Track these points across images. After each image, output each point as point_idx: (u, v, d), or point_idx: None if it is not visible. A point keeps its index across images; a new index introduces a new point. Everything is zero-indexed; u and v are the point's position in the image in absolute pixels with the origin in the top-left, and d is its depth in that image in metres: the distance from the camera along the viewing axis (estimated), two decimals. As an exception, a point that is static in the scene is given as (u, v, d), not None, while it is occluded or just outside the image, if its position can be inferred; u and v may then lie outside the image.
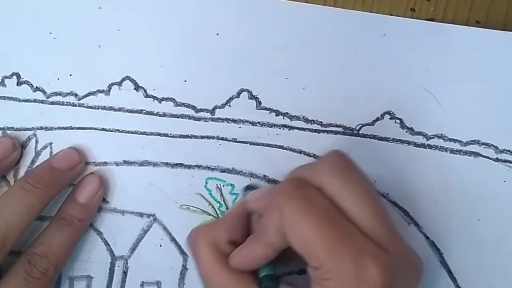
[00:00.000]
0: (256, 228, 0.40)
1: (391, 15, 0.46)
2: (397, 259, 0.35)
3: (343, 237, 0.34)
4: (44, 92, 0.44)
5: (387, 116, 0.45)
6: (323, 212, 0.34)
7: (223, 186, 0.45)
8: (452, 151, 0.45)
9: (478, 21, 0.46)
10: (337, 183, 0.36)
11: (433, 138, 0.45)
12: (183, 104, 0.45)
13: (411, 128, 0.45)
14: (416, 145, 0.45)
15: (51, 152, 0.44)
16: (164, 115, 0.45)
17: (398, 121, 0.45)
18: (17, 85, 0.44)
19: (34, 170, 0.43)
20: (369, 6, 0.46)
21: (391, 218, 0.37)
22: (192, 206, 0.44)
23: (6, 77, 0.44)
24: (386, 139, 0.45)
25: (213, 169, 0.45)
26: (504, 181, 0.45)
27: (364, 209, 0.35)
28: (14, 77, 0.44)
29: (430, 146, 0.45)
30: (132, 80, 0.45)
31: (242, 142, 0.45)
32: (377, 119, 0.45)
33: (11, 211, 0.40)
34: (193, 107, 0.45)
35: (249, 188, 0.43)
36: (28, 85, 0.44)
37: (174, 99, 0.45)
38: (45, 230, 0.42)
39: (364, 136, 0.45)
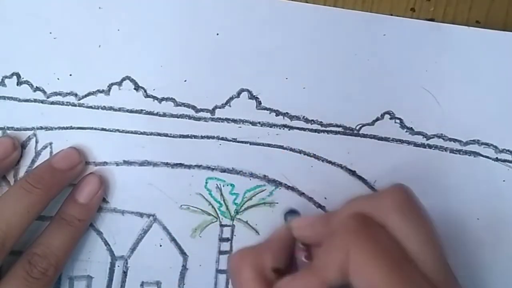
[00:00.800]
0: (303, 259, 0.39)
1: (391, 15, 0.46)
2: None
3: (410, 285, 0.32)
4: (44, 92, 0.44)
5: (387, 116, 0.45)
6: (391, 255, 0.32)
7: (223, 186, 0.45)
8: (452, 151, 0.45)
9: (478, 21, 0.46)
10: (403, 222, 0.34)
11: (433, 138, 0.45)
12: (183, 104, 0.45)
13: (411, 128, 0.45)
14: (416, 145, 0.45)
15: (51, 152, 0.44)
16: (164, 115, 0.45)
17: (398, 121, 0.45)
18: (17, 85, 0.44)
19: (34, 170, 0.43)
20: (369, 6, 0.46)
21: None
22: (192, 206, 0.44)
23: (6, 77, 0.44)
24: (386, 139, 0.45)
25: (213, 169, 0.45)
26: (504, 181, 0.45)
27: (429, 251, 0.34)
28: (14, 77, 0.44)
29: (430, 146, 0.45)
30: (132, 80, 0.45)
31: (242, 142, 0.45)
32: (377, 119, 0.45)
33: (12, 211, 0.40)
34: (193, 107, 0.45)
35: (291, 212, 0.43)
36: (28, 85, 0.44)
37: (174, 99, 0.45)
38: (45, 230, 0.41)
39: (364, 136, 0.45)
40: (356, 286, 0.33)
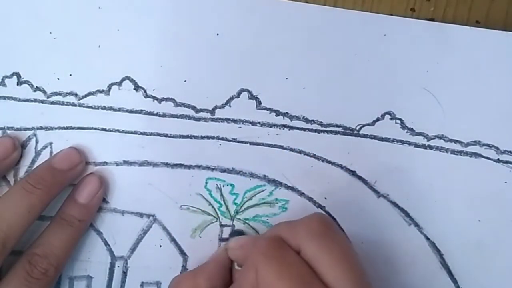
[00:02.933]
0: (235, 279, 0.41)
1: (391, 15, 0.46)
2: None
3: None
4: (44, 92, 0.44)
5: (387, 117, 0.45)
6: (298, 275, 0.34)
7: (223, 186, 0.45)
8: (453, 152, 0.45)
9: (478, 21, 0.46)
10: (315, 246, 0.35)
11: (433, 138, 0.45)
12: (183, 104, 0.45)
13: (412, 128, 0.45)
14: (417, 145, 0.45)
15: (51, 152, 0.44)
16: (164, 115, 0.45)
17: (398, 121, 0.45)
18: (17, 85, 0.44)
19: (34, 170, 0.43)
20: (369, 6, 0.46)
21: (370, 284, 0.36)
22: (192, 206, 0.44)
23: (6, 77, 0.45)
24: (386, 139, 0.45)
25: (213, 169, 0.45)
26: (505, 182, 0.45)
27: (342, 275, 0.34)
28: (14, 77, 0.44)
29: (430, 147, 0.45)
30: (132, 80, 0.45)
31: (242, 142, 0.45)
32: (378, 119, 0.45)
33: (12, 212, 0.40)
34: (193, 107, 0.45)
35: (235, 234, 0.44)
36: (28, 85, 0.44)
37: (174, 99, 0.45)
38: (45, 230, 0.42)
39: (365, 136, 0.45)
40: None
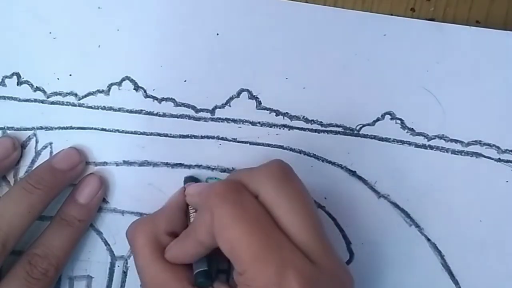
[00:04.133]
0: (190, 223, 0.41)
1: (391, 15, 0.46)
2: (324, 273, 0.34)
3: (270, 246, 0.33)
4: (44, 92, 0.45)
5: (387, 117, 0.45)
6: (254, 219, 0.34)
7: (223, 186, 0.44)
8: (454, 152, 0.45)
9: (478, 21, 0.46)
10: (273, 191, 0.35)
11: (434, 138, 0.45)
12: (183, 104, 0.45)
13: (412, 128, 0.45)
14: (417, 145, 0.45)
15: (51, 152, 0.44)
16: (164, 115, 0.45)
17: (398, 121, 0.45)
18: (17, 85, 0.45)
19: (34, 170, 0.43)
20: (369, 6, 0.46)
21: (326, 231, 0.36)
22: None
23: (6, 77, 0.45)
24: (386, 139, 0.45)
25: (213, 169, 0.45)
26: (507, 182, 0.45)
27: (298, 219, 0.34)
28: (14, 77, 0.45)
29: (431, 147, 0.45)
30: (132, 80, 0.45)
31: (242, 142, 0.45)
32: (378, 120, 0.45)
33: (12, 212, 0.40)
34: (193, 107, 0.45)
35: (190, 179, 0.43)
36: (28, 85, 0.45)
37: (174, 99, 0.45)
38: (46, 230, 0.42)
39: (365, 136, 0.45)
40: (221, 247, 0.34)
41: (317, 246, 0.34)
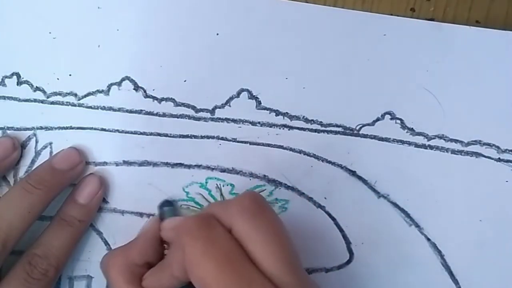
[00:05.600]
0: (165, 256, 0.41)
1: (391, 15, 0.46)
2: None
3: (240, 282, 0.32)
4: (44, 92, 0.45)
5: (387, 116, 0.45)
6: (224, 254, 0.33)
7: (223, 186, 0.45)
8: (454, 152, 0.45)
9: (478, 21, 0.46)
10: (246, 224, 0.34)
11: (434, 138, 0.45)
12: (183, 104, 0.45)
13: (412, 128, 0.45)
14: (417, 145, 0.45)
15: (51, 152, 0.44)
16: (164, 115, 0.45)
17: (398, 121, 0.45)
18: (17, 85, 0.44)
19: (34, 170, 0.43)
20: (369, 6, 0.46)
21: (301, 263, 0.35)
22: (192, 206, 0.44)
23: (6, 77, 0.45)
24: (386, 139, 0.45)
25: (213, 169, 0.45)
26: (507, 181, 0.45)
27: (271, 252, 0.34)
28: (14, 77, 0.45)
29: (431, 147, 0.45)
30: (132, 80, 0.45)
31: (242, 142, 0.45)
32: (378, 119, 0.45)
33: (12, 212, 0.40)
34: (193, 107, 0.45)
35: (164, 205, 0.43)
36: (28, 85, 0.45)
37: (174, 99, 0.45)
38: (45, 231, 0.42)
39: (365, 136, 0.45)
40: (193, 283, 0.34)
41: (291, 278, 0.34)
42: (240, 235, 0.34)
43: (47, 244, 0.40)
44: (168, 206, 0.43)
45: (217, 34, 0.45)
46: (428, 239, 0.44)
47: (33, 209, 0.40)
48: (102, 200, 0.44)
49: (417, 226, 0.44)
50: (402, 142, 0.45)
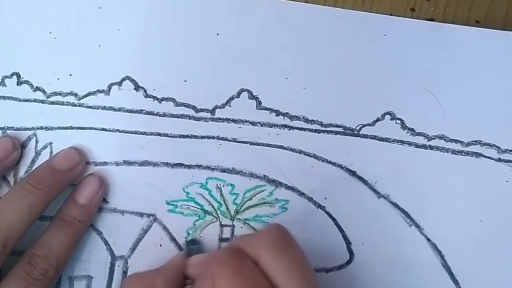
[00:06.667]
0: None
1: (391, 15, 0.46)
2: None
3: None
4: (44, 92, 0.44)
5: (387, 117, 0.45)
6: (254, 286, 0.34)
7: (223, 186, 0.45)
8: (454, 152, 0.45)
9: (478, 21, 0.46)
10: (273, 257, 0.35)
11: (434, 139, 0.45)
12: (183, 104, 0.45)
13: (412, 128, 0.45)
14: (417, 146, 0.45)
15: (51, 152, 0.44)
16: (164, 115, 0.45)
17: (399, 121, 0.45)
18: (17, 84, 0.44)
19: (34, 171, 0.43)
20: (369, 6, 0.46)
21: None
22: (192, 206, 0.44)
23: (6, 76, 0.45)
24: (386, 139, 0.45)
25: (213, 169, 0.45)
26: (507, 181, 0.45)
27: (296, 285, 0.34)
28: (14, 77, 0.44)
29: (431, 147, 0.45)
30: (132, 80, 0.45)
31: (242, 142, 0.45)
32: (378, 120, 0.45)
33: (13, 212, 0.40)
34: (193, 107, 0.45)
35: (191, 243, 0.44)
36: (28, 85, 0.44)
37: (174, 99, 0.45)
38: (45, 231, 0.42)
39: (365, 136, 0.45)
40: None
41: None
42: (267, 268, 0.35)
43: (47, 244, 0.40)
44: (194, 245, 0.43)
45: (217, 34, 0.45)
46: (429, 240, 0.44)
47: (33, 209, 0.40)
48: (102, 200, 0.44)
49: (417, 226, 0.44)
50: (403, 142, 0.45)
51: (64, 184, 0.43)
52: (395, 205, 0.44)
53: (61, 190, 0.43)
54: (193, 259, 0.42)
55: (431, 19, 0.46)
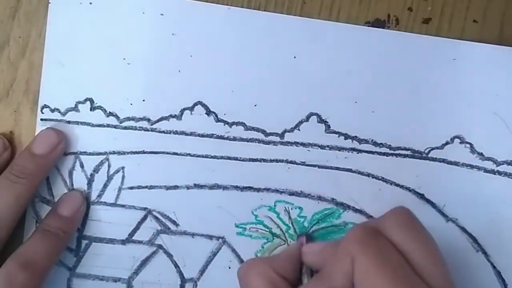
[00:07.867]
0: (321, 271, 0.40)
1: (388, 14, 0.45)
2: None
3: None
4: (117, 117, 0.45)
5: (457, 140, 0.45)
6: (397, 266, 0.33)
7: (291, 209, 0.45)
8: (522, 179, 0.45)
9: (476, 20, 0.46)
10: (408, 238, 0.35)
11: (502, 164, 0.45)
12: (253, 128, 0.45)
13: (481, 153, 0.45)
14: (486, 170, 0.45)
15: (123, 176, 0.45)
16: (234, 139, 0.45)
17: (468, 145, 0.45)
18: (91, 110, 0.45)
19: (16, 160, 0.42)
20: (366, 5, 0.45)
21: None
22: (261, 229, 0.45)
23: (79, 102, 0.45)
24: (455, 163, 0.45)
25: (281, 192, 0.45)
26: None
27: (434, 267, 0.34)
28: (88, 102, 0.45)
29: (499, 173, 0.45)
30: (204, 105, 0.45)
31: (310, 165, 0.45)
32: (447, 143, 0.45)
33: (0, 202, 0.40)
34: (263, 131, 0.45)
35: (305, 236, 0.44)
36: (102, 110, 0.45)
37: (244, 123, 0.45)
38: (28, 240, 0.41)
39: (433, 159, 0.45)
40: None
41: None
42: (404, 249, 0.35)
43: (30, 253, 0.40)
44: (308, 238, 0.44)
45: (294, 57, 0.45)
46: (494, 267, 0.44)
47: (20, 199, 0.41)
48: (172, 222, 0.44)
49: (484, 252, 0.44)
50: (471, 166, 0.45)
51: (47, 168, 0.43)
52: (463, 229, 0.45)
53: (46, 174, 0.43)
54: (309, 247, 0.41)
55: (428, 19, 0.45)
